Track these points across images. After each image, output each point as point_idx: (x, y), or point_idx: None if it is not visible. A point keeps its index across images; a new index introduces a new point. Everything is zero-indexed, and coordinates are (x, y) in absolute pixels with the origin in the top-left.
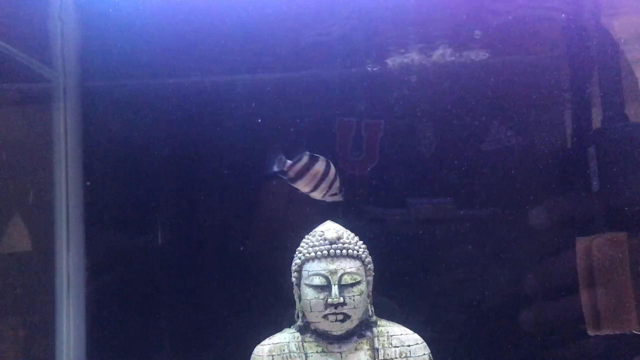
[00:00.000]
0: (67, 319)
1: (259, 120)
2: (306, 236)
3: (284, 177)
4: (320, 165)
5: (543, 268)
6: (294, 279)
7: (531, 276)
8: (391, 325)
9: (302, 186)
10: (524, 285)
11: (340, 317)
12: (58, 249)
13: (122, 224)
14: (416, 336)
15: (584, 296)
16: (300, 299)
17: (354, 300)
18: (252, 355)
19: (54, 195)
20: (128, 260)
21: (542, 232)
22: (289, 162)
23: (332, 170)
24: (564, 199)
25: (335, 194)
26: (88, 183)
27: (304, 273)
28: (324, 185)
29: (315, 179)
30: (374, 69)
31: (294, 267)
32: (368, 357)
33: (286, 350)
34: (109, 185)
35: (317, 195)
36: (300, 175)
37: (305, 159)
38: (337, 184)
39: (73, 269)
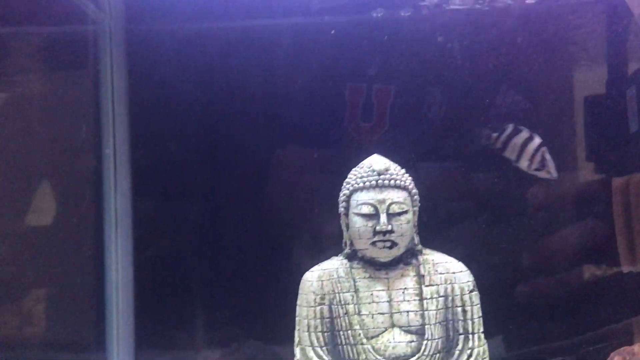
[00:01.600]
0: (115, 285)
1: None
2: (354, 169)
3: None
4: (522, 137)
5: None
6: (342, 209)
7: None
8: (436, 253)
9: (509, 155)
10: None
11: (387, 244)
12: (107, 215)
13: (169, 180)
14: (461, 264)
15: (620, 234)
16: (348, 228)
17: (401, 228)
18: (302, 281)
19: (102, 141)
20: (175, 218)
21: (577, 175)
22: (494, 134)
23: (535, 142)
24: (602, 140)
25: (544, 170)
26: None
27: (353, 202)
28: (526, 156)
29: (516, 150)
30: None
31: (342, 198)
32: (414, 282)
33: (335, 276)
34: (156, 137)
35: (523, 165)
36: (505, 145)
37: (508, 130)
38: (541, 157)
39: (121, 235)
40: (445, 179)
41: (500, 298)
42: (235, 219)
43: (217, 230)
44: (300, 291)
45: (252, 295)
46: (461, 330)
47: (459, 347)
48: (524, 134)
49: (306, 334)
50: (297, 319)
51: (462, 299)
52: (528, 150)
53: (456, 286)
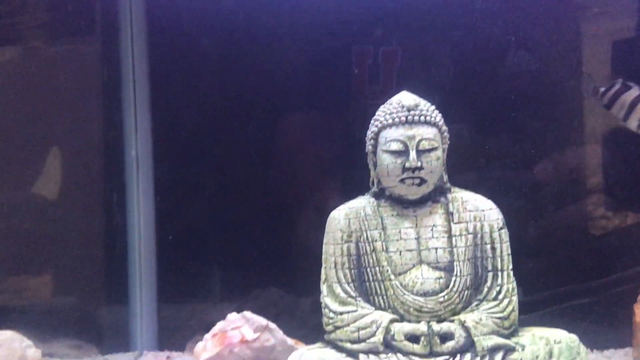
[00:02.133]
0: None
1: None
2: (382, 106)
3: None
4: (631, 94)
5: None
6: (369, 147)
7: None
8: (465, 191)
9: (616, 112)
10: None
11: (416, 180)
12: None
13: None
14: (490, 202)
15: None
16: (375, 166)
17: (430, 165)
18: (329, 219)
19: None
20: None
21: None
22: (602, 89)
23: None
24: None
25: None
26: None
27: (381, 140)
28: (636, 115)
29: (625, 108)
30: None
31: (370, 135)
32: (443, 220)
33: (362, 214)
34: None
35: (632, 125)
36: (612, 101)
37: (617, 86)
38: None
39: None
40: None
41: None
42: (251, 173)
43: (235, 185)
44: (327, 229)
45: (270, 244)
46: (490, 268)
47: (488, 284)
48: (634, 91)
49: (333, 271)
50: (323, 256)
51: (491, 237)
52: (638, 109)
53: (485, 224)
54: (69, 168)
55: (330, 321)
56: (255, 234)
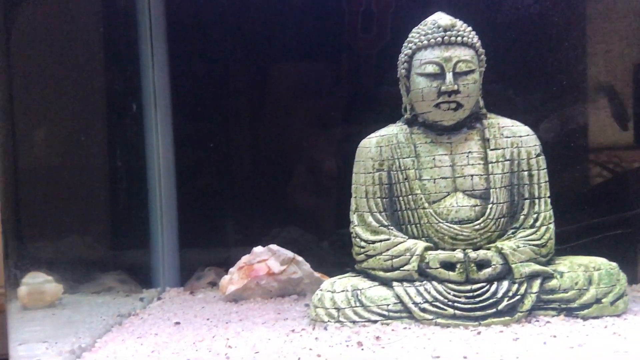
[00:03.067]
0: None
1: None
2: (415, 27)
3: None
4: None
5: None
6: (402, 71)
7: None
8: (501, 117)
9: None
10: None
11: (452, 105)
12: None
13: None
14: (527, 128)
15: None
16: (408, 92)
17: (467, 88)
18: (359, 149)
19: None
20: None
21: None
22: None
23: None
24: None
25: None
26: None
27: (415, 63)
28: None
29: None
30: None
31: (403, 59)
32: (479, 146)
33: (394, 142)
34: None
35: None
36: None
37: None
38: None
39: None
40: None
41: None
42: (261, 119)
43: (250, 130)
44: (357, 158)
45: (288, 184)
46: (527, 195)
47: (524, 211)
48: None
49: (364, 200)
50: (353, 186)
51: (528, 163)
52: None
53: (523, 150)
54: (87, 118)
55: (362, 250)
56: (272, 174)
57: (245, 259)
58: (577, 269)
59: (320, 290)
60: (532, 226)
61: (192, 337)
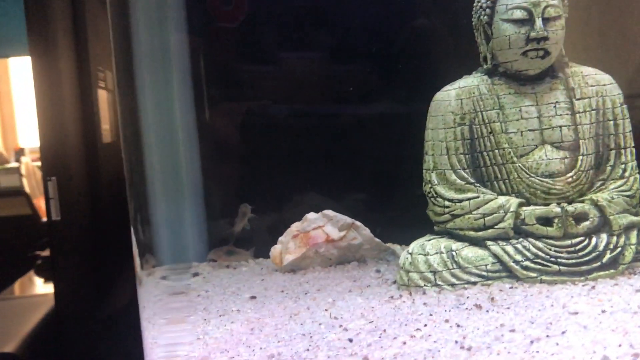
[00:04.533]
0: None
1: None
2: None
3: None
4: None
5: None
6: (484, 17)
7: None
8: (582, 66)
9: None
10: None
11: (541, 53)
12: None
13: None
14: (609, 76)
15: None
16: (488, 40)
17: (556, 34)
18: (435, 102)
19: None
20: None
21: None
22: None
23: None
24: None
25: None
26: None
27: (500, 8)
28: None
29: None
30: None
31: (485, 4)
32: (564, 96)
33: (476, 93)
34: None
35: None
36: None
37: None
38: None
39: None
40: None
41: None
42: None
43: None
44: (433, 112)
45: (310, 147)
46: (612, 145)
47: (611, 162)
48: None
49: (445, 157)
50: (429, 143)
51: (613, 112)
52: None
53: (607, 99)
54: None
55: (447, 210)
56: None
57: (296, 226)
58: None
59: (410, 253)
60: (621, 177)
61: (283, 311)
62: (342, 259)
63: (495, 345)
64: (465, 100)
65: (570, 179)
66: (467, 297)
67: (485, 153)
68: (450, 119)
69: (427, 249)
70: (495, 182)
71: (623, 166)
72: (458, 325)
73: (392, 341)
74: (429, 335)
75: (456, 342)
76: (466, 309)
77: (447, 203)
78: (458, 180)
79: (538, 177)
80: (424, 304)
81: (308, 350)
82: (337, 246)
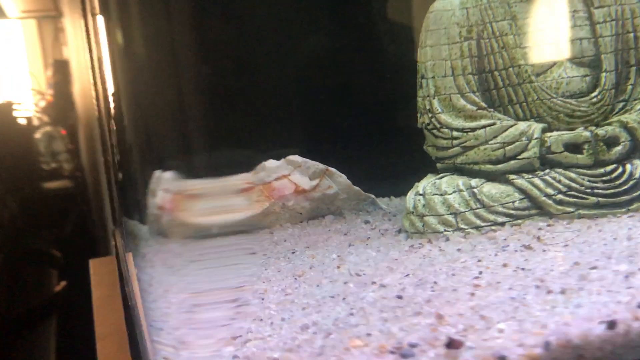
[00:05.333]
0: None
1: None
2: None
3: None
4: None
5: None
6: None
7: None
8: None
9: None
10: None
11: None
12: None
13: None
14: None
15: None
16: None
17: None
18: (433, 13)
19: None
20: None
21: None
22: None
23: None
24: None
25: None
26: None
27: None
28: None
29: None
30: None
31: None
32: (582, 4)
33: (484, 1)
34: None
35: None
36: None
37: None
38: None
39: None
40: None
41: None
42: None
43: None
44: (433, 26)
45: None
46: (633, 62)
47: (631, 81)
48: None
49: (450, 79)
50: (427, 64)
51: (633, 24)
52: None
53: (627, 7)
54: None
55: (456, 142)
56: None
57: (245, 176)
58: None
59: (421, 194)
60: None
61: (280, 274)
62: (315, 213)
63: (587, 286)
64: (471, 9)
65: (595, 99)
66: (505, 239)
67: (497, 72)
68: (455, 32)
69: (444, 188)
70: (510, 107)
71: None
72: (523, 269)
73: (454, 293)
74: (498, 283)
75: (537, 286)
76: (516, 251)
77: (455, 134)
78: (468, 106)
79: (560, 98)
80: (458, 250)
81: (352, 314)
82: (309, 197)
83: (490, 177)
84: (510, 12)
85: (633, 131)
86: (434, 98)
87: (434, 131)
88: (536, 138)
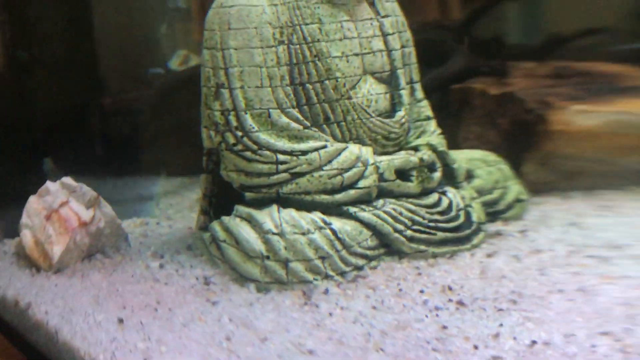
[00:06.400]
0: None
1: None
2: None
3: None
4: None
5: None
6: None
7: None
8: None
9: None
10: None
11: None
12: None
13: None
14: None
15: None
16: None
17: None
18: (236, 10)
19: None
20: None
21: None
22: None
23: None
24: None
25: None
26: None
27: None
28: None
29: None
30: None
31: None
32: (370, 11)
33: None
34: None
35: None
36: None
37: None
38: None
39: None
40: None
41: None
42: None
43: None
44: (236, 24)
45: None
46: (409, 78)
47: (418, 98)
48: None
49: (266, 90)
50: (233, 70)
51: (405, 37)
52: None
53: (399, 19)
54: None
55: (282, 167)
56: None
57: (38, 202)
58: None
59: (276, 234)
60: (427, 117)
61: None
62: (90, 251)
63: None
64: (280, 7)
65: (403, 120)
66: (382, 289)
67: (310, 85)
68: (268, 33)
69: (304, 225)
70: (326, 126)
71: (422, 104)
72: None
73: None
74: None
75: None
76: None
77: (281, 157)
78: (293, 124)
79: (378, 118)
80: (342, 308)
81: None
82: (89, 232)
83: (325, 209)
84: (316, 15)
85: (444, 155)
86: (245, 113)
87: (247, 153)
88: (372, 163)
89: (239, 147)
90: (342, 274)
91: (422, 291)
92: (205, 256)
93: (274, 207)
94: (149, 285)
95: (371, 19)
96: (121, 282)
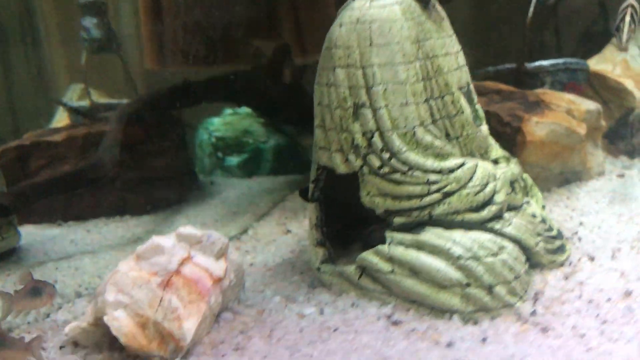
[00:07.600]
0: None
1: None
2: None
3: None
4: None
5: None
6: None
7: None
8: None
9: None
10: None
11: None
12: None
13: None
14: None
15: None
16: None
17: None
18: (375, 25)
19: None
20: None
21: None
22: None
23: None
24: None
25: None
26: None
27: None
28: None
29: None
30: None
31: None
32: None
33: (417, 12)
34: None
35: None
36: None
37: None
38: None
39: None
40: None
41: None
42: None
43: None
44: (380, 39)
45: None
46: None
47: None
48: None
49: (412, 108)
50: (377, 89)
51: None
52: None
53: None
54: None
55: (434, 188)
56: None
57: (137, 268)
58: None
59: (471, 258)
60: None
61: None
62: (220, 310)
63: None
64: (410, 21)
65: (486, 133)
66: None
67: (433, 101)
68: (410, 49)
69: (491, 246)
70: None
71: None
72: None
73: None
74: None
75: None
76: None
77: (432, 177)
78: (437, 142)
79: (479, 132)
80: (573, 327)
81: None
82: (222, 288)
83: (468, 228)
84: (431, 31)
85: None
86: (391, 132)
87: (395, 176)
88: (498, 178)
89: (386, 169)
90: (520, 297)
91: (609, 299)
92: (355, 292)
93: (440, 230)
94: (336, 339)
95: (451, 35)
96: (295, 343)
